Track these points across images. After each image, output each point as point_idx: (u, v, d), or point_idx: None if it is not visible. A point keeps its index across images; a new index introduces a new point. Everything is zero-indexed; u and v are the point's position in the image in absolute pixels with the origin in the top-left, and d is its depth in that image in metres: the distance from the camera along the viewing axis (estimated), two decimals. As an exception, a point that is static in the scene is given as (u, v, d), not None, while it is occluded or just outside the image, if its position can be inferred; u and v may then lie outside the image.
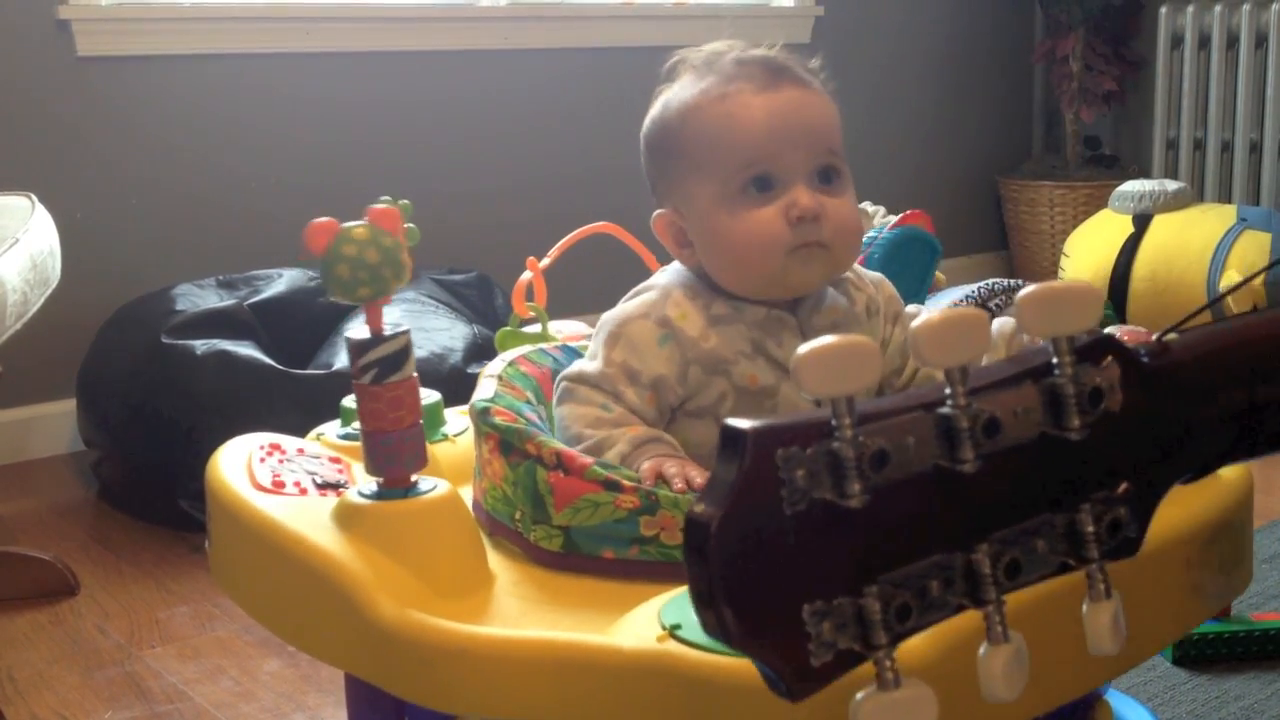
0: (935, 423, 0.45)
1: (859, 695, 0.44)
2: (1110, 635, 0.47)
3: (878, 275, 1.14)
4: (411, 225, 0.94)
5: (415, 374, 0.91)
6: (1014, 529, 0.46)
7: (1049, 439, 0.47)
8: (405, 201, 0.94)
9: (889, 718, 0.44)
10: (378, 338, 0.90)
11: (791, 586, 0.43)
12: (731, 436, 0.43)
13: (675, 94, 1.08)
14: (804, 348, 0.43)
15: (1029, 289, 0.47)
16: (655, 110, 1.10)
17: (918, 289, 1.66)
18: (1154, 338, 0.53)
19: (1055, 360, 0.47)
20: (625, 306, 1.08)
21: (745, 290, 1.05)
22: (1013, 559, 0.46)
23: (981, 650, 0.46)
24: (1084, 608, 0.48)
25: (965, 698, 0.74)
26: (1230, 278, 2.92)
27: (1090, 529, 0.47)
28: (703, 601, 0.43)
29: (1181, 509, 0.91)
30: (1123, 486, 0.49)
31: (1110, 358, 0.49)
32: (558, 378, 1.07)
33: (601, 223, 1.35)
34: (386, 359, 0.89)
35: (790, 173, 1.03)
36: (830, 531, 0.43)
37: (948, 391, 0.45)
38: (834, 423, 0.43)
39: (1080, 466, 0.48)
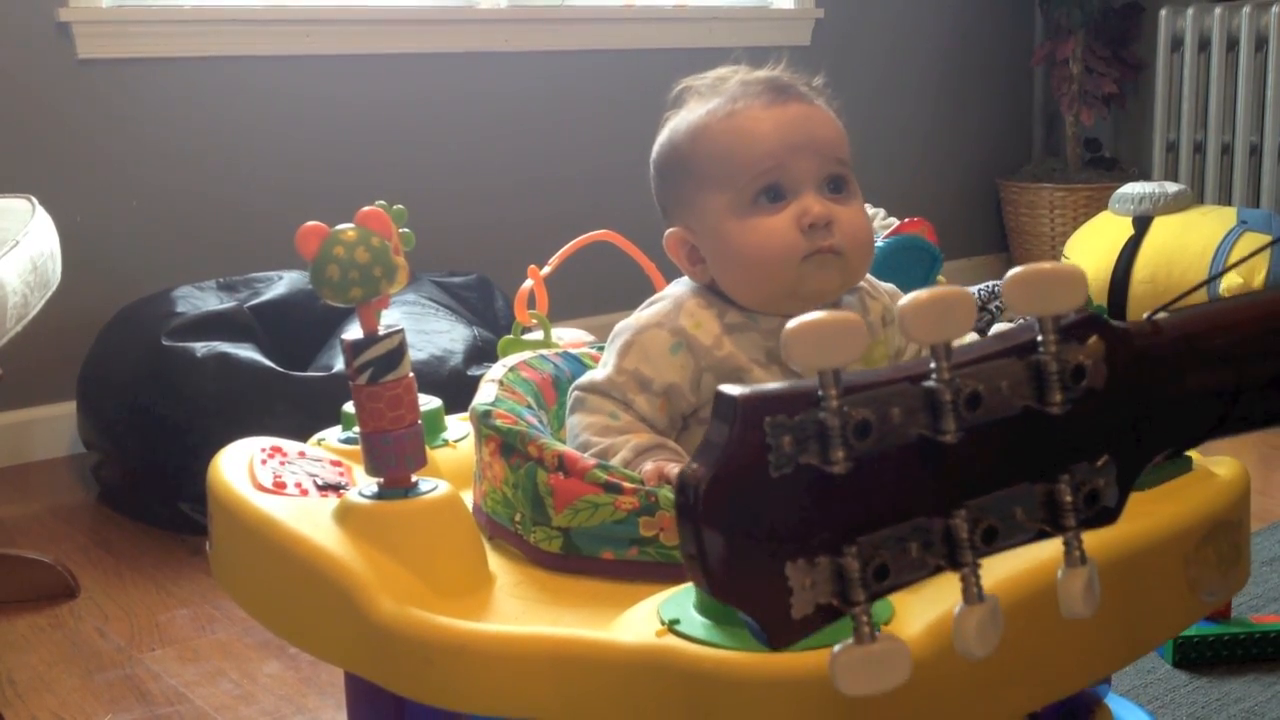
0: (919, 395, 0.47)
1: (836, 648, 0.46)
2: (1083, 599, 0.49)
3: (891, 286, 1.15)
4: (407, 230, 0.94)
5: (412, 373, 0.92)
6: (993, 496, 0.48)
7: (1031, 413, 0.49)
8: (399, 206, 0.94)
9: (864, 669, 0.46)
10: (371, 338, 0.90)
11: (775, 544, 0.45)
12: (724, 402, 0.45)
13: (683, 117, 1.10)
14: (793, 322, 0.45)
15: (1015, 270, 0.48)
16: (663, 135, 1.11)
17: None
18: (1145, 316, 0.54)
19: (1040, 338, 0.49)
20: (638, 315, 1.08)
21: (759, 303, 1.06)
22: (990, 525, 0.48)
23: (957, 609, 0.48)
24: (1059, 574, 0.49)
25: (965, 687, 0.74)
26: (1231, 279, 2.92)
27: (1068, 498, 0.49)
28: (690, 555, 0.45)
29: (1179, 505, 0.91)
30: (1102, 459, 0.50)
31: (1095, 336, 0.50)
32: (571, 386, 1.08)
33: (601, 230, 1.35)
34: (381, 358, 0.89)
35: (800, 182, 1.04)
36: (814, 495, 0.45)
37: (933, 365, 0.47)
38: (821, 393, 0.45)
39: (1061, 439, 0.49)
